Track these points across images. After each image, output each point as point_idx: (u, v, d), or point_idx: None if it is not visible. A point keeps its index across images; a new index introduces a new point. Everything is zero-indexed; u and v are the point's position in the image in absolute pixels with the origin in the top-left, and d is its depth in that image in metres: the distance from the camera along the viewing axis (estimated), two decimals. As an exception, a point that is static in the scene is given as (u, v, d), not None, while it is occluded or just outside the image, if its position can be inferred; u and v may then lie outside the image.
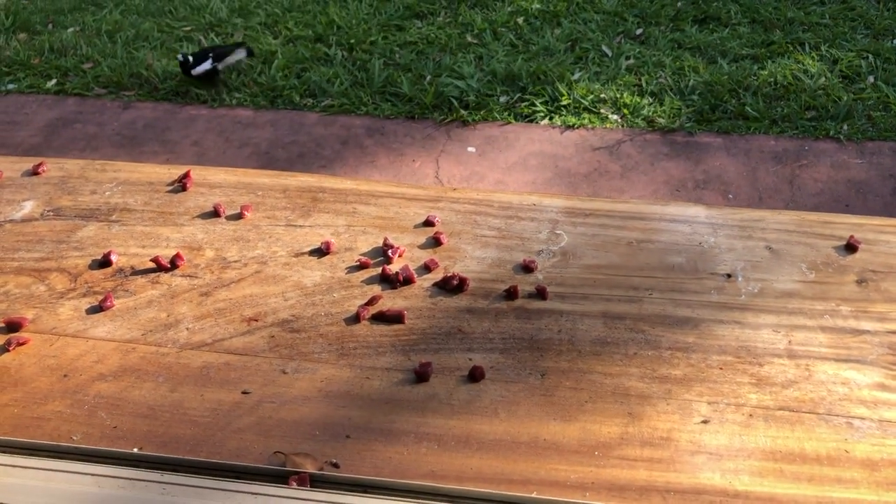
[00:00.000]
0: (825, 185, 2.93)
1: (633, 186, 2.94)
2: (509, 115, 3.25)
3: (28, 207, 1.29)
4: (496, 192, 1.29)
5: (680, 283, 1.12)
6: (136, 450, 0.93)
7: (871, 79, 3.32)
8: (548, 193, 1.28)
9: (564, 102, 3.28)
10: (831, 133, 3.09)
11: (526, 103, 3.30)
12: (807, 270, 1.13)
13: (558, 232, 1.21)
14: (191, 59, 3.28)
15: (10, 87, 3.48)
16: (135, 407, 0.98)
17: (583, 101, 3.29)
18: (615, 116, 3.24)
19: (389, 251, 1.17)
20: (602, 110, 3.27)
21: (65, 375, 1.02)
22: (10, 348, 1.05)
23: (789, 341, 1.03)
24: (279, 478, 0.89)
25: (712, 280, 1.12)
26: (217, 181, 1.33)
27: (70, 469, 0.89)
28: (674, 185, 2.95)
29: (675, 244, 1.18)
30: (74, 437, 0.94)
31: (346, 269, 1.17)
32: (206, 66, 3.29)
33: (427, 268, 1.16)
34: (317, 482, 0.89)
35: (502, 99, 3.33)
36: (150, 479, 0.89)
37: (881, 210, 2.86)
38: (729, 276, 1.13)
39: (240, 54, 3.44)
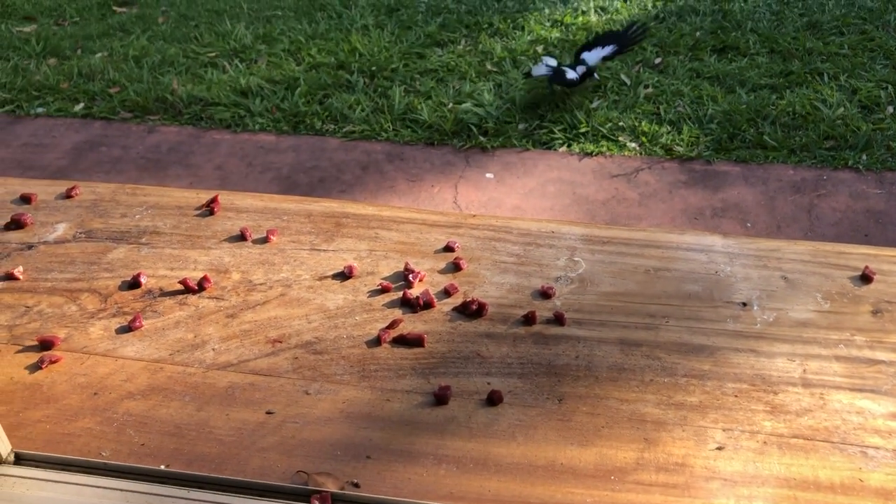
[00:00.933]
0: (844, 215, 2.94)
1: (650, 214, 2.96)
2: (528, 141, 3.29)
3: (61, 230, 1.33)
4: (515, 219, 1.31)
5: (696, 311, 1.14)
6: (163, 467, 0.96)
7: (890, 109, 3.34)
8: (566, 221, 1.31)
9: (583, 130, 3.31)
10: (850, 163, 3.10)
11: (544, 130, 3.33)
12: (822, 300, 1.15)
13: (576, 259, 1.24)
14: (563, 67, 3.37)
15: (40, 110, 3.56)
16: (162, 425, 1.01)
17: (601, 128, 3.32)
18: (633, 144, 3.27)
19: (410, 276, 1.20)
20: (620, 138, 3.30)
21: (95, 393, 1.05)
22: (43, 366, 1.08)
23: (804, 370, 1.05)
24: (301, 496, 0.92)
25: (728, 308, 1.14)
26: (244, 206, 1.37)
27: (100, 484, 0.92)
28: (692, 213, 2.96)
29: (692, 272, 1.20)
30: (104, 454, 0.97)
31: (368, 292, 1.20)
32: (579, 71, 3.37)
33: (447, 292, 1.19)
34: (338, 501, 0.91)
35: (521, 126, 3.37)
36: (176, 495, 0.91)
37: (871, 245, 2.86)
38: (745, 304, 1.15)
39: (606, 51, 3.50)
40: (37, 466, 0.95)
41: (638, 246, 1.25)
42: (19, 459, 0.96)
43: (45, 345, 1.12)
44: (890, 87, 3.45)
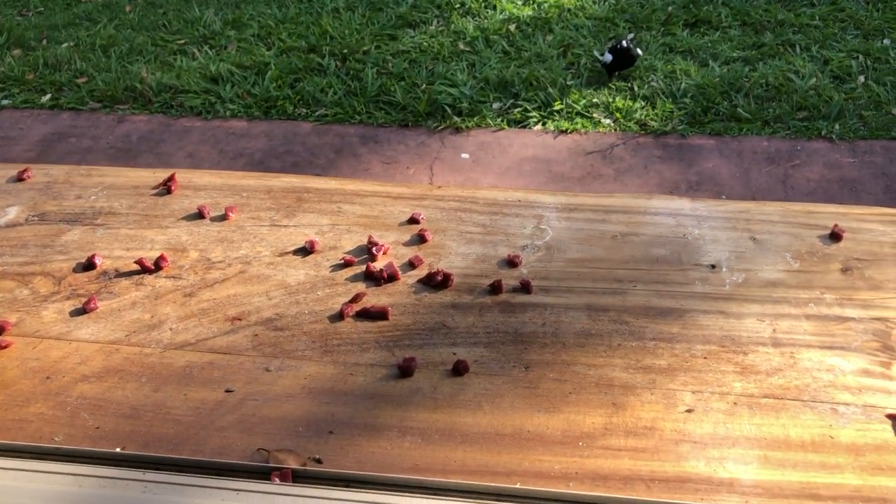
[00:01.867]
0: (818, 185, 2.93)
1: (626, 189, 2.94)
2: (503, 121, 3.26)
3: (12, 213, 1.29)
4: (481, 189, 1.29)
5: (664, 274, 1.12)
6: (118, 449, 0.93)
7: (861, 78, 3.33)
8: (533, 189, 1.28)
9: (557, 108, 3.28)
10: (823, 133, 3.09)
11: (519, 109, 3.30)
12: (791, 260, 1.13)
13: (543, 227, 1.21)
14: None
15: (5, 102, 3.49)
16: (118, 407, 0.98)
17: (575, 105, 3.29)
18: (608, 120, 3.25)
19: (374, 249, 1.17)
20: (595, 115, 3.27)
21: (47, 377, 1.02)
22: (-7, 351, 1.05)
23: (774, 330, 1.03)
24: (261, 474, 0.89)
25: (696, 271, 1.12)
26: (202, 184, 1.33)
27: (51, 470, 0.89)
28: (667, 187, 2.95)
29: (660, 236, 1.18)
30: (56, 438, 0.94)
31: (331, 267, 1.17)
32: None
33: (411, 265, 1.16)
34: (299, 477, 0.89)
35: (495, 105, 3.34)
36: (131, 477, 0.88)
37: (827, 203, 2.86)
38: (713, 266, 1.13)
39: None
40: (-14, 453, 0.92)
41: (605, 212, 1.23)
42: (-32, 447, 0.93)
43: (-4, 330, 1.08)
44: (861, 56, 3.44)
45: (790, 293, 1.08)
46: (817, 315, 1.04)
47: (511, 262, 1.15)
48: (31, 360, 1.04)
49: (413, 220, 1.23)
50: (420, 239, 1.20)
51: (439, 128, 3.25)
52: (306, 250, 1.19)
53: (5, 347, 1.05)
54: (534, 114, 3.27)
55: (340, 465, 0.90)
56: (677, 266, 1.13)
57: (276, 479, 0.88)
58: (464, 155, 3.14)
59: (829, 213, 1.20)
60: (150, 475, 0.88)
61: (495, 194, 1.28)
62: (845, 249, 1.14)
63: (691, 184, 2.95)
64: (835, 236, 1.15)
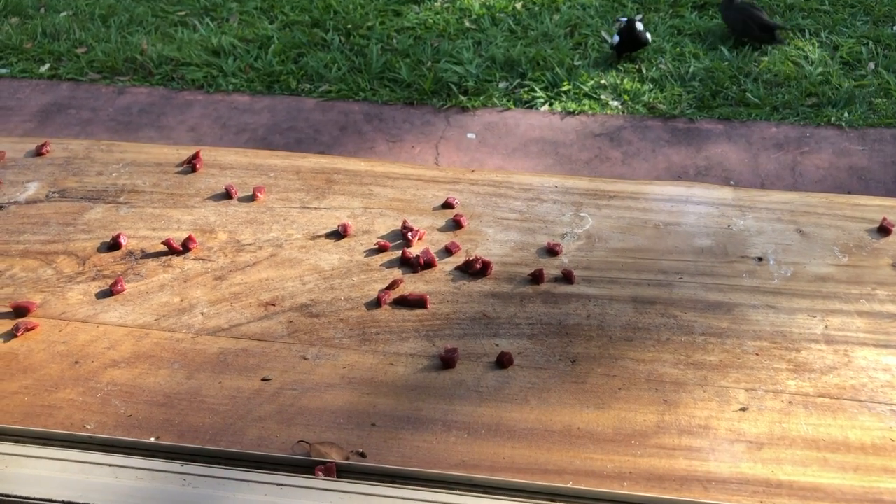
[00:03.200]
0: (827, 172, 2.91)
1: (634, 173, 2.91)
2: (509, 100, 3.21)
3: (32, 189, 1.24)
4: (516, 174, 1.25)
5: (710, 266, 1.09)
6: (153, 439, 0.89)
7: (871, 65, 3.30)
8: (569, 175, 1.25)
9: (564, 88, 3.24)
10: (832, 120, 3.07)
11: (526, 89, 3.26)
12: (839, 254, 1.10)
13: (582, 214, 1.18)
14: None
15: (3, 71, 3.41)
16: (150, 395, 0.94)
17: (583, 86, 3.25)
18: (616, 102, 3.21)
19: (409, 234, 1.14)
20: (602, 96, 3.23)
21: (76, 362, 0.98)
22: (18, 334, 1.01)
23: (826, 326, 1.00)
24: (304, 468, 0.86)
25: (743, 263, 1.09)
26: (227, 162, 1.29)
27: (86, 459, 0.86)
28: (675, 171, 2.92)
29: (704, 227, 1.15)
30: (88, 426, 0.91)
31: (365, 252, 1.13)
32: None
33: (448, 251, 1.12)
34: (343, 472, 0.86)
35: (502, 85, 3.29)
36: (169, 469, 0.85)
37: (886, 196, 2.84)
38: (760, 259, 1.10)
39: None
40: (16, 441, 0.88)
41: (645, 200, 1.20)
42: (-3, 434, 0.89)
43: (20, 311, 1.04)
44: (871, 43, 3.41)
45: (840, 288, 1.05)
46: (870, 312, 1.02)
47: (551, 251, 1.12)
48: (58, 343, 1.00)
49: (447, 205, 1.20)
50: (455, 224, 1.17)
51: (445, 106, 3.20)
52: (339, 234, 1.15)
53: (31, 329, 1.02)
54: (540, 94, 3.23)
55: (384, 460, 0.87)
56: (723, 258, 1.10)
57: (320, 473, 0.85)
58: (470, 135, 3.09)
59: (876, 206, 1.17)
60: (189, 467, 0.85)
61: (531, 179, 1.25)
62: (895, 244, 1.11)
63: (700, 169, 2.92)
64: (883, 230, 1.13)
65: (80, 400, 0.93)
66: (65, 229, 1.17)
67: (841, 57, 3.35)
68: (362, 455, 0.88)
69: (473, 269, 1.09)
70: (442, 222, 1.17)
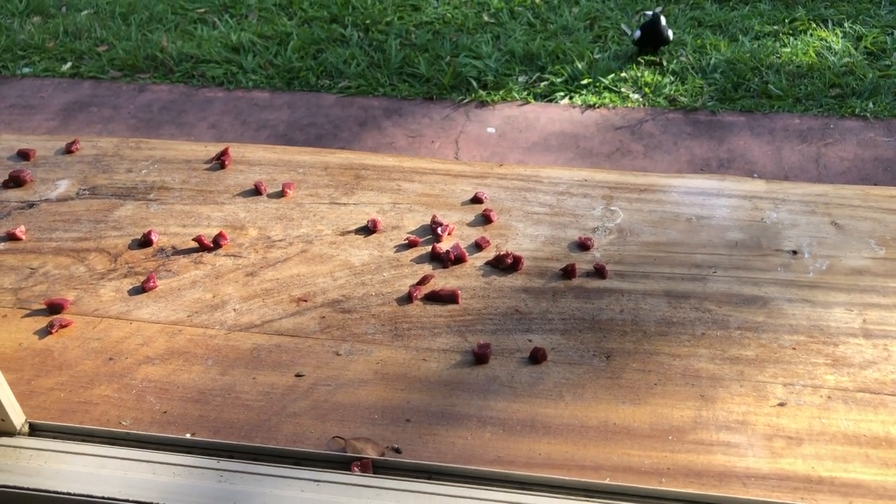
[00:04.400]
0: (852, 164, 2.88)
1: (656, 166, 2.89)
2: (528, 94, 3.20)
3: (63, 186, 1.25)
4: (544, 168, 1.24)
5: (745, 260, 1.08)
6: (188, 435, 0.89)
7: (896, 56, 3.27)
8: (598, 169, 1.24)
9: (584, 81, 3.22)
10: (857, 111, 3.04)
11: (545, 83, 3.25)
12: (876, 247, 1.09)
13: (613, 208, 1.17)
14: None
15: (26, 70, 3.43)
16: (184, 391, 0.94)
17: (603, 80, 3.23)
18: (636, 95, 3.19)
19: (439, 229, 1.13)
20: (623, 89, 3.22)
21: (110, 358, 0.98)
22: (53, 331, 1.01)
23: (864, 320, 0.99)
24: (340, 464, 0.86)
25: (778, 257, 1.08)
26: (256, 158, 1.29)
27: (123, 455, 0.86)
28: (698, 164, 2.90)
29: (737, 220, 1.14)
30: (124, 423, 0.91)
31: (395, 247, 1.13)
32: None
33: (478, 246, 1.12)
34: (379, 468, 0.85)
35: (521, 79, 3.28)
36: (206, 465, 0.85)
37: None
38: (795, 252, 1.09)
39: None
40: (54, 437, 0.89)
41: (676, 193, 1.19)
42: (34, 430, 0.90)
43: (54, 308, 1.05)
44: (895, 32, 3.37)
45: (877, 282, 1.04)
46: (908, 305, 1.01)
47: (582, 245, 1.11)
48: (92, 339, 1.01)
49: (476, 200, 1.19)
50: (485, 219, 1.16)
51: (464, 101, 3.19)
52: (368, 229, 1.15)
53: (66, 326, 1.02)
54: (560, 87, 3.22)
55: (420, 456, 0.87)
56: (757, 251, 1.09)
57: (357, 469, 0.85)
58: (489, 129, 3.08)
59: (912, 199, 1.16)
60: (225, 463, 0.85)
61: (560, 173, 1.24)
62: (932, 237, 1.10)
63: (722, 161, 2.90)
64: (920, 223, 1.11)
65: (115, 396, 0.94)
66: (96, 226, 1.17)
67: (865, 47, 3.31)
68: (398, 451, 0.88)
69: (504, 264, 1.09)
70: (471, 217, 1.17)
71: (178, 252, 1.13)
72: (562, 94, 3.20)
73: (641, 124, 3.08)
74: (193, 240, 1.13)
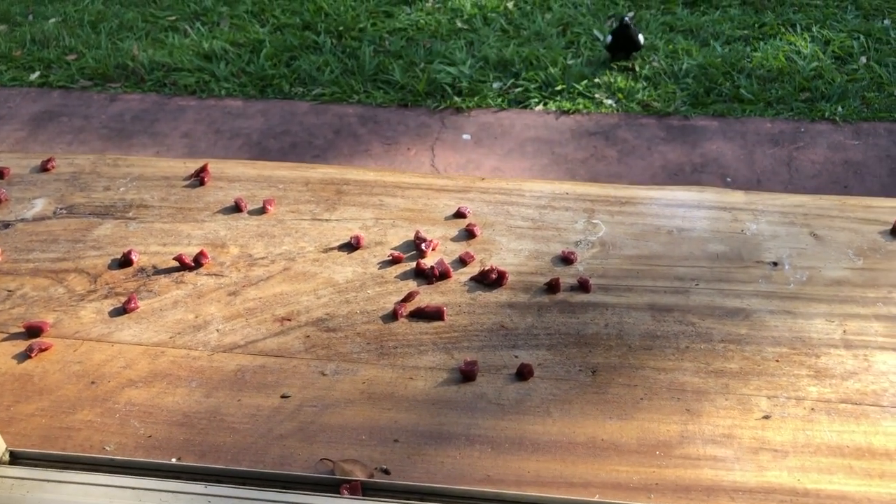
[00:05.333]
0: (823, 167, 2.92)
1: (630, 171, 2.91)
2: (503, 101, 3.21)
3: (39, 205, 1.23)
4: (526, 182, 1.25)
5: (726, 272, 1.09)
6: (174, 460, 0.88)
7: (863, 59, 3.32)
8: (579, 182, 1.24)
9: (559, 88, 3.24)
10: (826, 114, 3.08)
11: (520, 89, 3.26)
12: (854, 257, 1.10)
13: (595, 221, 1.18)
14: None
15: (-9, 79, 3.39)
16: (169, 414, 0.93)
17: (577, 86, 3.25)
18: (610, 101, 3.21)
19: (423, 245, 1.13)
20: (597, 95, 3.24)
21: (92, 382, 0.97)
22: (33, 354, 1.00)
23: (844, 331, 1.00)
24: (329, 486, 0.85)
25: (758, 268, 1.09)
26: (235, 174, 1.28)
27: (107, 483, 0.85)
28: (671, 169, 2.92)
29: (717, 232, 1.15)
30: (107, 448, 0.90)
31: (379, 264, 1.12)
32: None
33: (462, 261, 1.12)
34: (369, 490, 0.85)
35: (496, 85, 3.29)
36: (193, 491, 0.84)
37: (879, 191, 2.85)
38: (775, 264, 1.10)
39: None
40: (35, 465, 0.87)
41: (657, 205, 1.20)
42: (15, 458, 0.88)
43: (33, 331, 1.03)
44: (862, 37, 3.43)
45: (857, 292, 1.05)
46: (887, 315, 1.02)
47: (566, 259, 1.12)
48: (73, 363, 0.99)
49: (459, 214, 1.19)
50: (468, 234, 1.16)
51: (439, 108, 3.20)
52: (352, 246, 1.15)
53: (46, 350, 1.00)
54: (535, 94, 3.23)
55: (409, 477, 0.87)
56: (738, 263, 1.10)
57: (346, 492, 0.84)
58: (465, 136, 3.09)
59: (889, 208, 1.18)
60: (213, 488, 0.84)
61: (542, 186, 1.24)
62: (908, 246, 1.11)
63: (695, 166, 2.92)
64: (896, 232, 1.13)
65: (98, 421, 0.92)
66: (74, 246, 1.16)
67: (833, 51, 3.36)
68: (386, 472, 0.88)
69: (489, 280, 1.09)
70: (454, 232, 1.17)
71: (158, 272, 1.12)
72: (536, 100, 3.21)
73: (615, 130, 3.10)
74: (174, 259, 1.12)
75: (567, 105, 3.18)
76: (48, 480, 0.85)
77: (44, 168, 1.29)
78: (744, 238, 1.14)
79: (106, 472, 0.87)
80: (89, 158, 1.30)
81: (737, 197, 1.20)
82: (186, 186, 1.26)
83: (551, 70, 3.29)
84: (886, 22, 3.52)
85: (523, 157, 2.98)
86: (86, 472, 0.87)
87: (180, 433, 0.91)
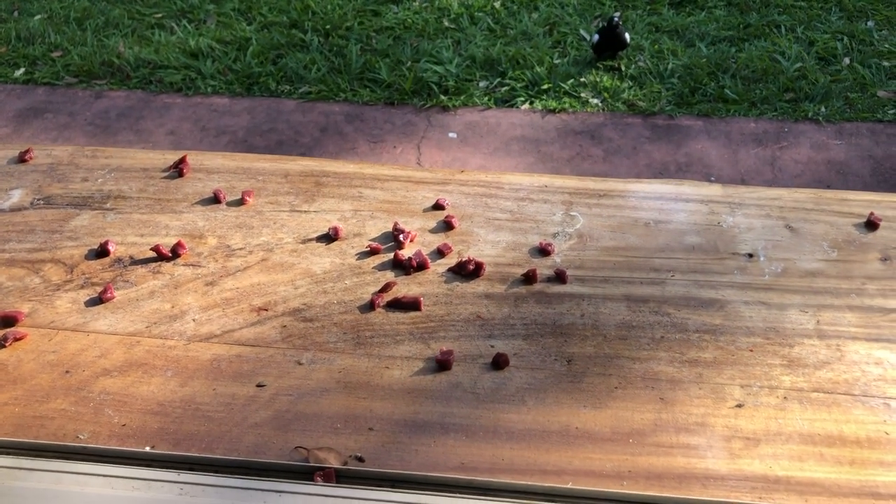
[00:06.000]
0: (806, 167, 2.94)
1: (615, 170, 2.92)
2: (490, 100, 3.22)
3: (16, 196, 1.22)
4: (505, 174, 1.25)
5: (701, 263, 1.09)
6: (148, 448, 0.88)
7: (846, 60, 3.34)
8: (559, 175, 1.25)
9: (545, 87, 3.24)
10: (810, 115, 3.10)
11: (506, 88, 3.26)
12: (829, 249, 1.11)
13: (573, 214, 1.18)
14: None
15: (-25, 76, 3.37)
16: (143, 403, 0.93)
17: (563, 85, 3.26)
18: (596, 100, 3.22)
19: (401, 236, 1.13)
20: (582, 94, 3.24)
21: (67, 371, 0.97)
22: (7, 344, 0.99)
23: (818, 321, 1.01)
24: (303, 474, 0.85)
25: (734, 260, 1.10)
26: (215, 166, 1.28)
27: (79, 470, 0.84)
28: (656, 168, 2.93)
29: (694, 224, 1.15)
30: (81, 437, 0.89)
31: (357, 255, 1.13)
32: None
33: (440, 252, 1.12)
34: (343, 477, 0.85)
35: (482, 84, 3.29)
36: (165, 479, 0.84)
37: (861, 191, 2.87)
38: (751, 255, 1.10)
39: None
40: (7, 453, 0.87)
41: (635, 198, 1.20)
42: (-12, 447, 0.88)
43: (8, 321, 1.03)
44: (845, 38, 3.45)
45: (831, 283, 1.06)
46: (860, 306, 1.03)
47: (543, 251, 1.12)
48: (48, 352, 0.99)
49: (438, 206, 1.20)
50: (447, 226, 1.16)
51: (426, 106, 3.20)
52: (330, 237, 1.15)
53: (20, 339, 1.00)
54: (521, 93, 3.24)
55: (383, 464, 0.87)
56: (714, 255, 1.11)
57: (319, 479, 0.85)
58: (451, 134, 3.09)
59: (863, 201, 1.19)
60: (186, 476, 0.84)
61: (520, 179, 1.25)
62: (883, 238, 1.12)
63: (680, 165, 2.94)
64: (871, 224, 1.14)
65: (72, 410, 0.92)
66: (51, 237, 1.15)
67: (816, 52, 3.38)
68: (361, 459, 0.88)
69: (466, 271, 1.09)
70: (433, 223, 1.17)
71: (135, 262, 1.12)
72: (522, 99, 3.22)
73: (601, 129, 3.11)
74: (151, 249, 1.12)
75: (553, 104, 3.19)
76: (19, 468, 0.85)
77: (21, 159, 1.29)
78: (720, 230, 1.14)
79: (78, 460, 0.86)
80: (67, 150, 1.30)
81: (714, 190, 1.21)
82: (165, 178, 1.26)
83: (538, 69, 3.30)
84: (870, 23, 3.54)
85: (509, 155, 2.98)
86: (58, 459, 0.86)
87: (154, 422, 0.91)
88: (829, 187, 2.85)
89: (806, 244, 1.12)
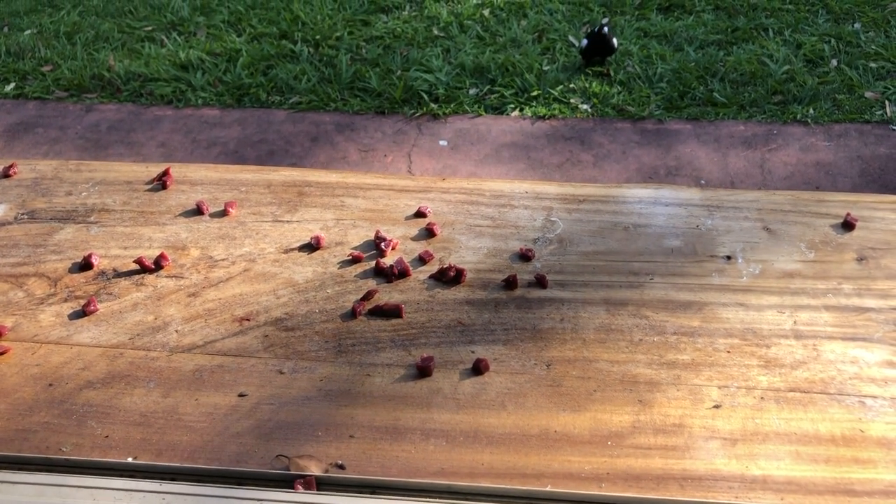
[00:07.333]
0: (795, 169, 2.95)
1: (605, 175, 2.93)
2: (480, 107, 3.23)
3: (0, 211, 1.23)
4: (487, 181, 1.26)
5: (680, 266, 1.10)
6: (130, 459, 0.89)
7: (834, 62, 3.35)
8: (539, 181, 1.26)
9: (534, 93, 3.26)
10: (798, 117, 3.11)
11: (496, 95, 3.28)
12: (806, 250, 1.12)
13: (553, 219, 1.19)
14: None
15: (-34, 92, 3.38)
16: (126, 414, 0.94)
17: (552, 91, 3.27)
18: (585, 106, 3.23)
19: (382, 244, 1.14)
20: (572, 100, 3.26)
21: (50, 384, 0.97)
22: (-10, 358, 1.00)
23: (794, 321, 1.02)
24: (284, 482, 0.86)
25: (712, 262, 1.11)
26: (198, 178, 1.29)
27: (62, 483, 0.85)
28: (646, 172, 2.94)
29: (673, 227, 1.16)
30: (64, 449, 0.90)
31: (339, 263, 1.13)
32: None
33: (422, 260, 1.13)
34: (323, 485, 0.86)
35: (472, 91, 3.31)
36: (147, 489, 0.85)
37: (850, 192, 2.88)
38: (729, 257, 1.11)
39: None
40: (-9, 467, 0.88)
41: (615, 202, 1.21)
42: (-29, 460, 0.88)
43: (-8, 335, 1.03)
44: (833, 40, 3.47)
45: (808, 284, 1.07)
46: (836, 306, 1.04)
47: (524, 256, 1.13)
48: (31, 366, 0.99)
49: (420, 214, 1.20)
50: (428, 233, 1.17)
51: (416, 115, 3.21)
52: (312, 246, 1.16)
53: (4, 353, 1.01)
54: (511, 100, 3.25)
55: (364, 471, 0.87)
56: (692, 258, 1.12)
57: (300, 487, 0.85)
58: (442, 142, 3.10)
59: (840, 202, 1.20)
60: (168, 486, 0.85)
61: (501, 186, 1.26)
62: (859, 238, 1.13)
63: (670, 169, 2.95)
64: (847, 225, 1.15)
65: (55, 422, 0.93)
66: (35, 251, 1.16)
67: (804, 55, 3.40)
68: (341, 467, 0.88)
69: (447, 277, 1.10)
70: (415, 231, 1.18)
71: (119, 275, 1.12)
72: (512, 106, 3.23)
73: (590, 134, 3.12)
74: (135, 262, 1.13)
75: (543, 110, 3.20)
76: (2, 482, 0.85)
77: (5, 174, 1.30)
78: (699, 233, 1.15)
79: (61, 472, 0.87)
80: (52, 164, 1.31)
81: (693, 193, 1.22)
82: (149, 190, 1.27)
83: (527, 76, 3.31)
84: (857, 25, 3.56)
85: (500, 162, 2.99)
86: (40, 472, 0.87)
87: (137, 433, 0.92)
88: (818, 188, 2.86)
89: (783, 245, 1.13)
